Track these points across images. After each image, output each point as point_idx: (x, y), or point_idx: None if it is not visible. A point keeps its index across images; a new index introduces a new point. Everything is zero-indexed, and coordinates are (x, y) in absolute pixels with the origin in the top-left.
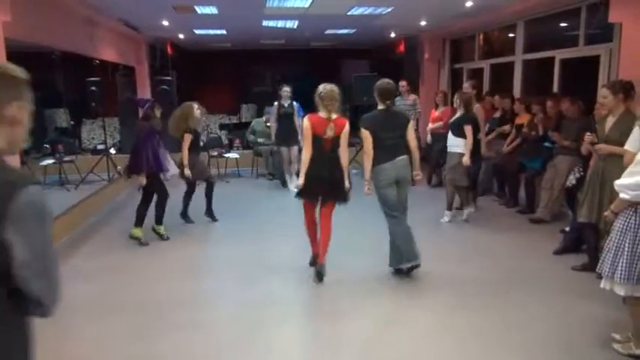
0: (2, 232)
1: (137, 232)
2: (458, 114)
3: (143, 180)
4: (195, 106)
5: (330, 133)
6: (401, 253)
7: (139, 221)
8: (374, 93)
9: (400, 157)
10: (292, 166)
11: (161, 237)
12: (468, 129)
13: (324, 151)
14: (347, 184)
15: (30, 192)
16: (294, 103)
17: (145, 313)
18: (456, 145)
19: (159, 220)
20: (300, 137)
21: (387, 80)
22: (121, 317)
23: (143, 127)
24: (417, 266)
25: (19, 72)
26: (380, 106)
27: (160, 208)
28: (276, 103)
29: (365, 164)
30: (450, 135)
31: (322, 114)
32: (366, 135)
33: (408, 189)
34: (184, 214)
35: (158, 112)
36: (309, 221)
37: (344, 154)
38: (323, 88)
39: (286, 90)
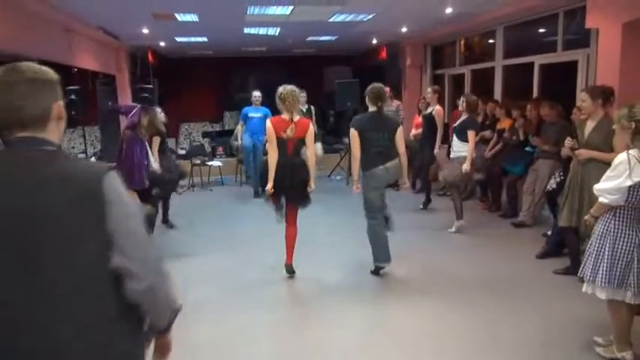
0: (105, 224)
1: None
2: (462, 117)
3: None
4: (159, 109)
5: (289, 133)
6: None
7: None
8: (366, 97)
9: (391, 162)
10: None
11: None
12: (472, 134)
13: (288, 153)
14: (312, 186)
15: (112, 177)
16: (312, 107)
17: None
18: (461, 150)
19: None
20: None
21: (378, 84)
22: None
23: (127, 137)
24: (382, 267)
25: (54, 74)
26: (371, 108)
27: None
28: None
29: (353, 166)
30: (454, 139)
31: (284, 115)
32: (354, 135)
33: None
34: (165, 220)
35: (145, 120)
36: (287, 230)
37: (312, 156)
38: (283, 89)
39: (303, 95)
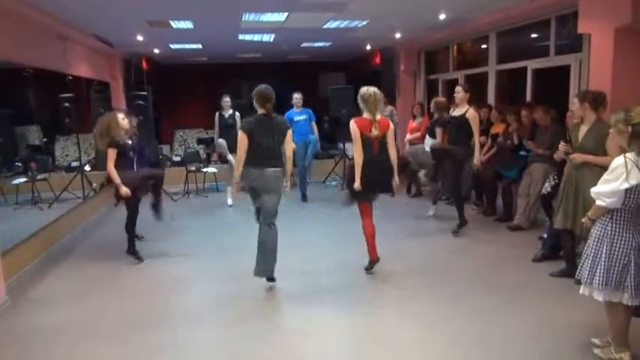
0: None
1: None
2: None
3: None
4: (121, 115)
5: (374, 131)
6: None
7: None
8: (252, 98)
9: (271, 169)
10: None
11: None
12: (438, 131)
13: (374, 151)
14: (397, 180)
15: None
16: (236, 113)
17: (123, 337)
18: (427, 143)
19: None
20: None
21: (264, 85)
22: (98, 342)
23: None
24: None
25: None
26: (260, 111)
27: None
28: (217, 114)
29: (237, 165)
30: (427, 136)
31: (367, 115)
32: (241, 137)
33: (277, 200)
34: (132, 250)
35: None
36: (369, 226)
37: (392, 150)
38: (366, 90)
39: (226, 100)
